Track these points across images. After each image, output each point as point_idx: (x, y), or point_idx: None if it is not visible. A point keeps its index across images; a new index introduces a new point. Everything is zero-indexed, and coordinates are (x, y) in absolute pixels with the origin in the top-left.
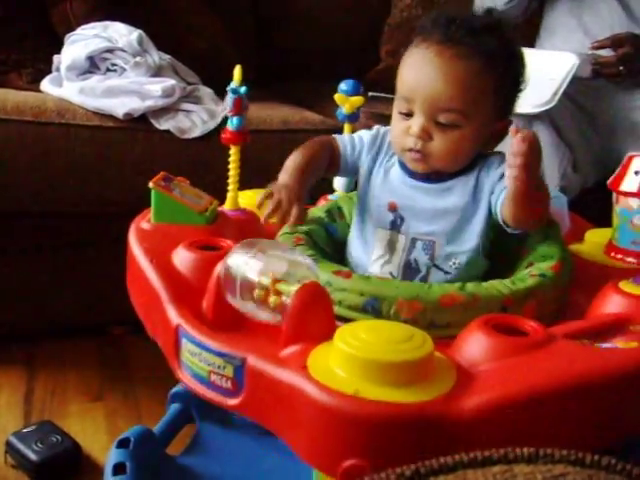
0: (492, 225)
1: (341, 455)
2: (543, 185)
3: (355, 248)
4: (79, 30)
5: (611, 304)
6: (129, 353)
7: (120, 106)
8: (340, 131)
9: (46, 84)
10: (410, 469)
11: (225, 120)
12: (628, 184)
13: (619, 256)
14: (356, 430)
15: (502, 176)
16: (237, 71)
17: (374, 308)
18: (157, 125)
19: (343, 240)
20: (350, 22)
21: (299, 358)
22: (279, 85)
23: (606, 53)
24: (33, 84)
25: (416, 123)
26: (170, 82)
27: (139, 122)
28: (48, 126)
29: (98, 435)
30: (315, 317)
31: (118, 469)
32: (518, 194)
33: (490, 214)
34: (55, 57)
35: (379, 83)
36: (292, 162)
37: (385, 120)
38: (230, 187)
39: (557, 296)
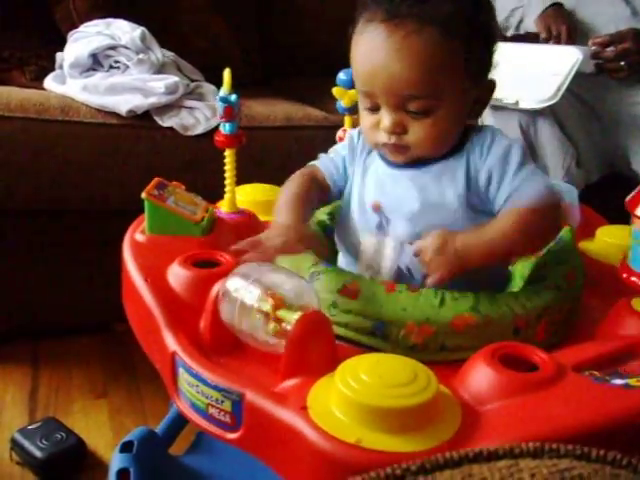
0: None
1: None
2: (502, 231)
3: (340, 261)
4: (82, 27)
5: (624, 325)
6: (133, 350)
7: (123, 103)
8: (341, 125)
9: (49, 81)
10: (416, 464)
11: None
12: None
13: (633, 279)
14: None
15: (501, 161)
16: (226, 76)
17: (382, 332)
18: (160, 122)
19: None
20: (353, 18)
21: (299, 395)
22: (282, 82)
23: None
24: (36, 81)
25: (386, 117)
26: (173, 79)
27: (142, 119)
28: (51, 123)
29: (102, 432)
30: (316, 348)
31: (122, 475)
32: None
33: (490, 202)
34: (58, 54)
35: None
36: (284, 201)
37: None
38: (227, 189)
39: (570, 310)
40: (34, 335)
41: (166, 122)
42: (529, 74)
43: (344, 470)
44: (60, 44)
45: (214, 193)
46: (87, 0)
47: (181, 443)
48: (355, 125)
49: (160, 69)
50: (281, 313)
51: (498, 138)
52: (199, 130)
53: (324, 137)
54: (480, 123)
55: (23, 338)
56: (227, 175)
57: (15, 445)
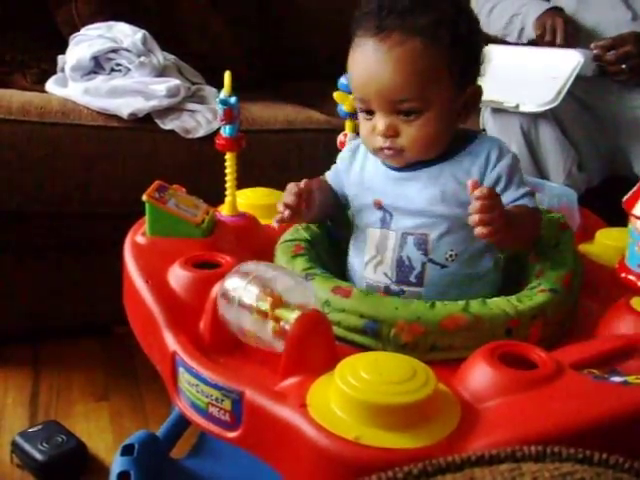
0: None
1: None
2: (521, 217)
3: (351, 255)
4: (83, 30)
5: (622, 324)
6: (134, 353)
7: (125, 106)
8: (342, 129)
9: (51, 84)
10: (417, 467)
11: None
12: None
13: (630, 277)
14: (357, 476)
15: (498, 181)
16: (227, 78)
17: (373, 331)
18: (162, 125)
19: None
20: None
21: (299, 393)
22: (283, 85)
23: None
24: (38, 85)
25: (380, 122)
26: (174, 82)
27: (144, 122)
28: (53, 126)
29: (103, 435)
30: (315, 347)
31: (123, 478)
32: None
33: None
34: (60, 57)
35: None
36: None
37: None
38: (227, 192)
39: (566, 312)
40: (35, 338)
41: (167, 125)
42: (530, 77)
43: (344, 466)
44: (62, 47)
45: (215, 196)
46: (89, 3)
47: (182, 446)
48: (356, 129)
49: (161, 72)
50: (280, 312)
51: (506, 152)
52: (200, 133)
53: (325, 140)
54: (482, 127)
55: (24, 341)
56: (228, 178)
57: (16, 448)
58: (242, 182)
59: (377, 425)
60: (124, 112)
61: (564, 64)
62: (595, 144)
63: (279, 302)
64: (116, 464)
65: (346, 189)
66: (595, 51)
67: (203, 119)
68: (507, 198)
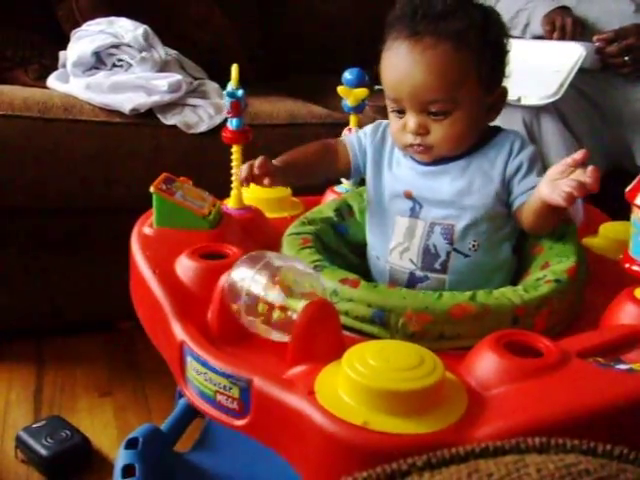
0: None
1: None
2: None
3: (373, 241)
4: (85, 26)
5: (626, 314)
6: (137, 348)
7: (127, 101)
8: (346, 123)
9: (52, 80)
10: (422, 459)
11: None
12: None
13: (635, 267)
14: (365, 461)
15: (519, 168)
16: (234, 71)
17: (381, 320)
18: (164, 120)
19: (355, 239)
20: (355, 15)
21: (306, 381)
22: (285, 79)
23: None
24: (39, 80)
25: (411, 120)
26: (176, 77)
27: (146, 117)
28: (55, 122)
29: (108, 430)
30: (322, 335)
31: (127, 471)
32: (548, 211)
33: (506, 199)
34: (61, 53)
35: None
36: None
37: None
38: (233, 185)
39: (571, 303)
40: (38, 334)
41: (169, 120)
42: (532, 70)
43: (352, 452)
44: (63, 43)
45: (217, 191)
46: None
47: (186, 440)
48: (360, 124)
49: (163, 67)
50: (287, 301)
51: (528, 143)
52: (202, 128)
53: (328, 134)
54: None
55: (28, 337)
56: (234, 171)
57: (20, 443)
58: None
59: (385, 411)
60: (126, 107)
61: (566, 57)
62: (597, 137)
63: (287, 292)
64: (120, 457)
65: (369, 166)
66: (597, 44)
67: (205, 114)
68: (528, 184)
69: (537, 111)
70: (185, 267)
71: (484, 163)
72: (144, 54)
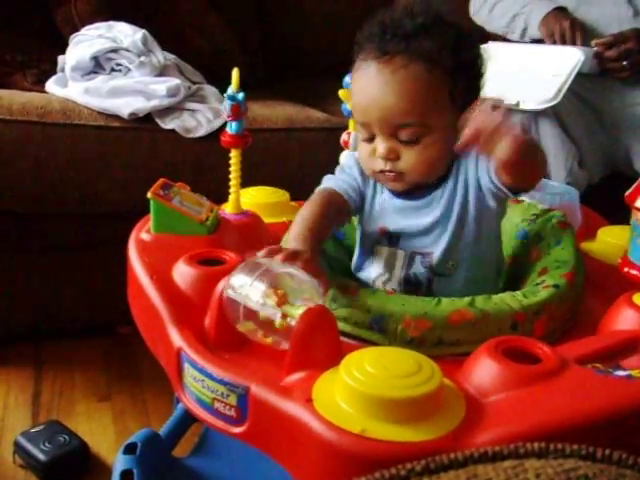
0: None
1: None
2: (531, 149)
3: (359, 268)
4: (83, 30)
5: (625, 319)
6: (136, 352)
7: (125, 106)
8: (345, 128)
9: (51, 85)
10: (420, 464)
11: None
12: None
13: (633, 272)
14: (362, 469)
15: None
16: (235, 75)
17: (380, 326)
18: (162, 125)
19: (353, 245)
20: (355, 19)
21: (304, 388)
22: (283, 83)
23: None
24: (38, 85)
25: (380, 145)
26: (175, 81)
27: (144, 122)
28: (53, 126)
29: (106, 435)
30: (320, 342)
31: (126, 476)
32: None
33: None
34: (60, 58)
35: None
36: (298, 230)
37: None
38: (232, 190)
39: (570, 308)
40: (37, 338)
41: (168, 124)
42: (530, 75)
43: (349, 460)
44: (62, 47)
45: (216, 195)
46: (88, 3)
47: (184, 445)
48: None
49: (162, 72)
50: (286, 308)
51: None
52: (201, 132)
53: (326, 139)
54: None
55: (26, 341)
56: (232, 176)
57: (18, 448)
58: (243, 180)
59: (383, 418)
60: (124, 112)
61: (565, 61)
62: (596, 141)
63: (285, 299)
64: (119, 463)
65: (356, 199)
66: (596, 48)
67: (204, 118)
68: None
69: (535, 115)
70: (183, 273)
71: (459, 187)
72: (143, 58)
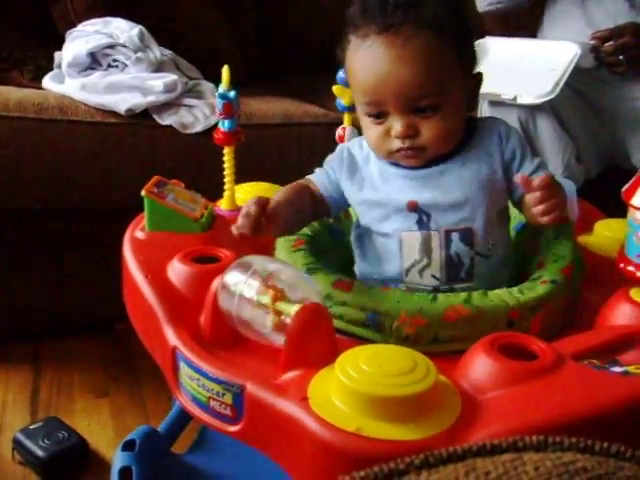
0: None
1: None
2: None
3: (369, 270)
4: (80, 26)
5: (621, 315)
6: (134, 349)
7: (122, 102)
8: (340, 122)
9: (48, 81)
10: (419, 458)
11: None
12: (638, 197)
13: (629, 268)
14: (358, 468)
15: (514, 154)
16: (225, 72)
17: (375, 323)
18: (159, 120)
19: (350, 241)
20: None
21: (300, 386)
22: (280, 79)
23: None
24: (35, 81)
25: (397, 123)
26: (172, 77)
27: (141, 118)
28: (50, 123)
29: (105, 431)
30: (316, 340)
31: (125, 473)
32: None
33: (507, 187)
34: (56, 54)
35: None
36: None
37: None
38: (226, 187)
39: (567, 303)
40: (35, 335)
41: (165, 120)
42: (527, 69)
43: (345, 458)
44: (58, 43)
45: (213, 191)
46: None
47: (183, 442)
48: (355, 123)
49: (158, 67)
50: (280, 305)
51: (510, 127)
52: (198, 128)
53: (323, 134)
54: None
55: (24, 338)
56: (226, 173)
57: (17, 445)
58: (239, 176)
59: (378, 417)
60: (121, 108)
61: (561, 56)
62: (593, 135)
63: (280, 296)
64: (117, 459)
65: (350, 198)
66: (593, 42)
67: (201, 114)
68: (526, 170)
69: (532, 110)
70: (177, 271)
71: (481, 154)
72: (139, 54)
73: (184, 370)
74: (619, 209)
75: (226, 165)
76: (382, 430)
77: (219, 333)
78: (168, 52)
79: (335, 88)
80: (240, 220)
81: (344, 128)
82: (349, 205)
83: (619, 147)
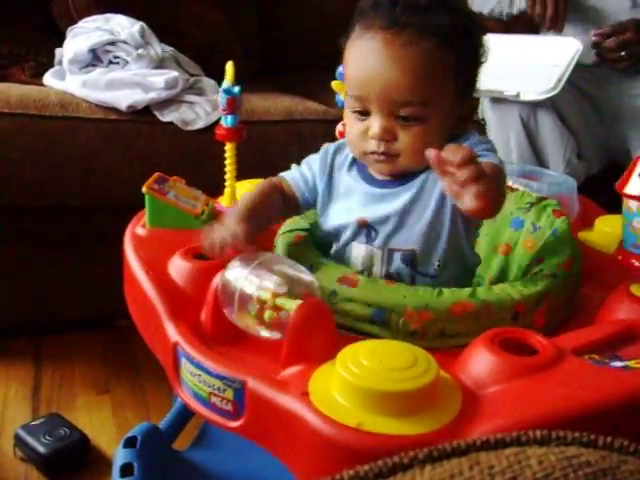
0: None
1: None
2: (496, 178)
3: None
4: (81, 23)
5: (622, 309)
6: (135, 345)
7: (123, 98)
8: (341, 119)
9: (49, 78)
10: (423, 452)
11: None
12: (631, 186)
13: (633, 261)
14: (359, 463)
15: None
16: (229, 69)
17: (382, 319)
18: (160, 117)
19: None
20: (353, 11)
21: (301, 382)
22: (281, 75)
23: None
24: (36, 78)
25: (376, 123)
26: (173, 74)
27: (142, 114)
28: (51, 119)
29: (106, 427)
30: (317, 335)
31: (126, 470)
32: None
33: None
34: (57, 50)
35: None
36: (240, 205)
37: None
38: (227, 183)
39: (567, 298)
40: (36, 331)
41: (166, 117)
42: (529, 66)
43: (346, 453)
44: (59, 40)
45: (215, 188)
46: None
47: (184, 438)
48: None
49: (159, 64)
50: (281, 301)
51: (473, 135)
52: (199, 125)
53: (324, 131)
54: (481, 116)
55: (25, 335)
56: (227, 169)
57: (19, 441)
58: (240, 173)
59: (379, 412)
60: (122, 104)
61: (563, 52)
62: (594, 132)
63: (281, 292)
64: (119, 456)
65: (321, 198)
66: (594, 38)
67: (202, 111)
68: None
69: (534, 107)
70: (178, 267)
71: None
72: (140, 51)
73: (185, 366)
74: (620, 206)
75: (227, 161)
76: (383, 425)
77: (220, 329)
78: (169, 49)
79: (334, 83)
80: (206, 246)
81: (344, 125)
82: None
83: (620, 144)
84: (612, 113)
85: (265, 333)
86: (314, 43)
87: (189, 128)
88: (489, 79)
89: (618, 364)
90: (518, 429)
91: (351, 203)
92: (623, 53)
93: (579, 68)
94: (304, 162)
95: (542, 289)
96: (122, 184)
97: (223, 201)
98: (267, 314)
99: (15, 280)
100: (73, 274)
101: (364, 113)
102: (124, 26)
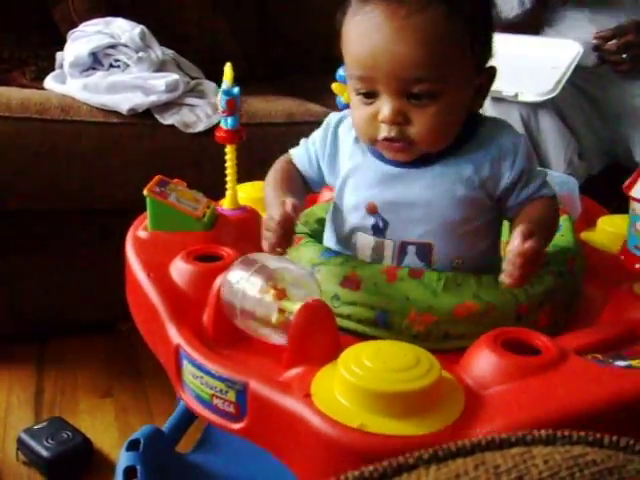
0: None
1: None
2: (546, 218)
3: (330, 243)
4: (81, 27)
5: (625, 309)
6: (138, 349)
7: (124, 102)
8: None
9: (50, 81)
10: (428, 452)
11: None
12: (638, 189)
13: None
14: (362, 464)
15: (520, 178)
16: (228, 70)
17: (385, 322)
18: (161, 120)
19: None
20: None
21: (303, 383)
22: (282, 78)
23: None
24: (36, 81)
25: (385, 106)
26: (174, 77)
27: (143, 117)
28: (52, 123)
29: (109, 431)
30: (319, 336)
31: (129, 473)
32: None
33: (499, 211)
34: (58, 54)
35: None
36: (271, 191)
37: None
38: (228, 186)
39: (570, 297)
40: (39, 336)
41: (167, 120)
42: (529, 66)
43: (349, 454)
44: (60, 44)
45: (216, 190)
46: (86, 0)
47: (187, 441)
48: None
49: (160, 67)
50: (283, 303)
51: (519, 139)
52: (200, 127)
53: None
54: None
55: (28, 339)
56: (228, 172)
57: (21, 445)
58: (242, 175)
59: (381, 413)
60: (123, 108)
61: (564, 54)
62: (595, 132)
63: (283, 294)
64: (122, 459)
65: (328, 178)
66: (595, 40)
67: (203, 113)
68: (528, 192)
69: (535, 107)
70: (180, 270)
71: (467, 167)
72: (141, 54)
73: (187, 368)
74: (621, 205)
75: (228, 164)
76: (386, 426)
77: (222, 331)
78: (170, 52)
79: (334, 86)
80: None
81: None
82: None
83: (621, 144)
84: (613, 113)
85: (270, 336)
86: (314, 45)
87: (190, 131)
88: None
89: (621, 363)
90: (521, 429)
91: (358, 180)
92: (625, 55)
93: (580, 69)
94: (310, 138)
95: (546, 289)
96: (123, 187)
97: (224, 204)
98: (275, 317)
99: (18, 283)
100: (75, 278)
101: (371, 95)
102: (125, 29)
